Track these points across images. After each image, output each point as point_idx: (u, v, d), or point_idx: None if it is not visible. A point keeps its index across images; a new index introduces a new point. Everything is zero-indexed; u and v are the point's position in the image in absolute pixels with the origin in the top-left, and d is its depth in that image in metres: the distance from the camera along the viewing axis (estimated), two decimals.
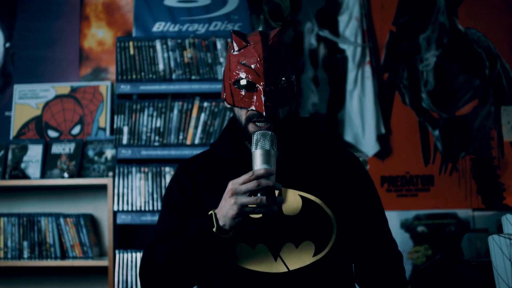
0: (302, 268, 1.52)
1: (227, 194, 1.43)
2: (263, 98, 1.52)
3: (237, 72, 1.56)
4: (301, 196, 1.56)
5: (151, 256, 1.57)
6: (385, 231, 1.65)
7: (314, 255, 1.53)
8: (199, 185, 1.63)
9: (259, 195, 1.41)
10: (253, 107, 1.54)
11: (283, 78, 1.56)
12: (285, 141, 1.62)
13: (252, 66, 1.54)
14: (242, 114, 1.58)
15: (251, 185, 1.40)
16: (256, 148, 1.45)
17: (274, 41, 1.57)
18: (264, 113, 1.51)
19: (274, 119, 1.55)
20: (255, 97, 1.54)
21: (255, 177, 1.41)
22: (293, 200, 1.56)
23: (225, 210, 1.42)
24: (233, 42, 1.59)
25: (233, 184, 1.43)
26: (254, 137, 1.47)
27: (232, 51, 1.60)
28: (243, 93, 1.55)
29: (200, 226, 1.47)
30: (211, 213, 1.45)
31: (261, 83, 1.53)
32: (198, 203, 1.61)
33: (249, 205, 1.41)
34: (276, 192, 1.47)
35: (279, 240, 1.53)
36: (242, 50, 1.58)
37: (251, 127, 1.56)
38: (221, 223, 1.44)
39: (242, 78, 1.55)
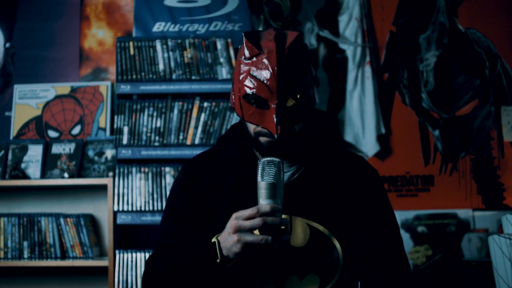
0: None
1: (231, 229, 1.34)
2: (275, 119, 1.38)
3: (247, 85, 1.42)
4: (309, 225, 1.47)
5: (155, 270, 1.51)
6: (399, 253, 1.54)
7: None
8: (203, 188, 1.55)
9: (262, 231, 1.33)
10: (263, 126, 1.42)
11: (299, 95, 1.41)
12: (296, 155, 1.53)
13: (265, 81, 1.40)
14: (251, 127, 1.48)
15: (256, 222, 1.32)
16: (262, 179, 1.34)
17: (291, 50, 1.41)
18: (275, 136, 1.39)
19: (286, 139, 1.44)
20: (266, 115, 1.41)
21: (260, 214, 1.32)
22: (300, 230, 1.47)
23: (229, 245, 1.35)
24: (244, 46, 1.44)
25: (237, 219, 1.34)
26: (260, 165, 1.35)
27: (243, 57, 1.44)
28: (253, 108, 1.42)
29: (203, 255, 1.40)
30: (215, 242, 1.38)
31: (274, 101, 1.39)
32: (203, 206, 1.54)
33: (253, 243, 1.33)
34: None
35: (283, 272, 1.46)
36: (254, 59, 1.42)
37: (262, 139, 1.46)
38: (224, 253, 1.37)
39: (253, 94, 1.41)
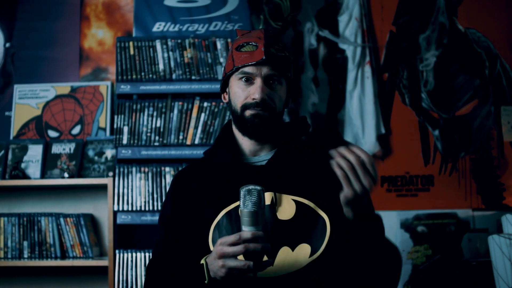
0: (299, 270, 1.53)
1: (216, 254, 1.43)
2: (263, 49, 1.60)
3: (239, 41, 1.66)
4: (294, 200, 1.58)
5: (153, 283, 1.61)
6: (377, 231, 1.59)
7: (310, 256, 1.54)
8: (194, 196, 1.65)
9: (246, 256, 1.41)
10: (253, 62, 1.60)
11: (283, 53, 1.64)
12: (278, 140, 1.65)
13: (254, 35, 1.66)
14: (238, 103, 1.63)
15: (238, 249, 1.40)
16: (244, 207, 1.43)
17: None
18: (264, 57, 1.58)
19: (269, 112, 1.60)
20: (255, 53, 1.61)
21: (242, 241, 1.40)
22: (287, 205, 1.57)
23: (215, 269, 1.44)
24: (237, 35, 1.72)
25: (222, 245, 1.42)
26: (241, 193, 1.44)
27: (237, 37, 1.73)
28: (243, 53, 1.63)
29: (193, 276, 1.49)
30: (203, 264, 1.47)
31: (262, 42, 1.62)
32: (194, 215, 1.63)
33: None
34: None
35: (275, 244, 1.54)
36: (245, 34, 1.70)
37: (247, 113, 1.61)
38: (212, 275, 1.46)
39: (245, 43, 1.64)
